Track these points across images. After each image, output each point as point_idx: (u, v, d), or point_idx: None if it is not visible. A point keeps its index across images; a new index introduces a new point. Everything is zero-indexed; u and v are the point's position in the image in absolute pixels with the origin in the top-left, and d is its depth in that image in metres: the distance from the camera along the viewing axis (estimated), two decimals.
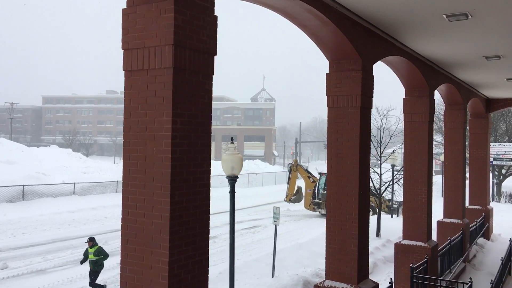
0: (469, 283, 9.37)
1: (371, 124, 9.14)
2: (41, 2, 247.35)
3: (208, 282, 4.99)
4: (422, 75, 11.36)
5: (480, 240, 17.85)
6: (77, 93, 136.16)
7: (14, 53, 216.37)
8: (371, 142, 13.43)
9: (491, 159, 31.96)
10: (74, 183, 33.73)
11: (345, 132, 8.31)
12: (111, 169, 44.80)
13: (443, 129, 19.59)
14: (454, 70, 13.16)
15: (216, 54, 4.95)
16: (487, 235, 19.04)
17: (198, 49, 4.72)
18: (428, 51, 10.71)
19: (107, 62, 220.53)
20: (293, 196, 32.45)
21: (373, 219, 20.22)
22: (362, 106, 8.21)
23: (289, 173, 32.77)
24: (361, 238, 8.32)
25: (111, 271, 15.92)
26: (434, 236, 14.30)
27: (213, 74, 4.95)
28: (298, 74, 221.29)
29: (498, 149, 33.57)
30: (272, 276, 14.39)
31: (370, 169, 11.46)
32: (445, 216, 16.03)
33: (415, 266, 10.05)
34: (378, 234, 21.01)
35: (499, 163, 34.60)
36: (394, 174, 24.56)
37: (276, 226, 15.48)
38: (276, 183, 54.63)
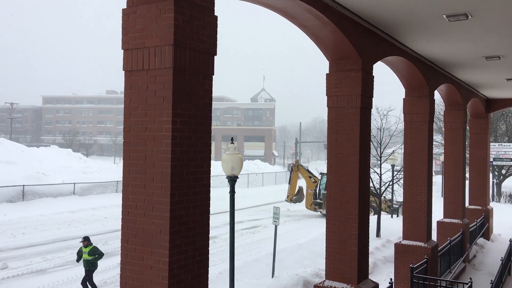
0: (469, 283, 9.37)
1: (371, 124, 9.14)
2: (41, 2, 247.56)
3: (208, 282, 4.99)
4: (422, 75, 11.36)
5: (480, 240, 17.85)
6: (77, 93, 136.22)
7: (14, 53, 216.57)
8: (371, 142, 13.43)
9: (491, 159, 31.97)
10: (74, 183, 33.73)
11: (345, 132, 8.31)
12: (111, 169, 44.83)
13: (443, 129, 19.60)
14: (454, 70, 13.16)
15: (216, 54, 4.95)
16: (487, 235, 19.04)
17: (198, 49, 4.72)
18: (428, 51, 10.72)
19: (107, 62, 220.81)
20: (294, 196, 32.46)
21: (373, 219, 20.22)
22: (362, 106, 8.21)
23: (290, 173, 32.78)
24: (361, 238, 8.33)
25: (111, 271, 15.93)
26: (434, 236, 14.30)
27: (213, 74, 4.95)
28: (298, 74, 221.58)
29: (498, 149, 33.58)
30: (272, 276, 14.39)
31: (370, 169, 11.46)
32: (445, 216, 16.04)
33: (415, 266, 10.05)
34: (378, 234, 21.02)
35: (499, 163, 34.61)
36: (394, 174, 24.56)
37: (276, 226, 15.48)
38: (276, 183, 54.63)
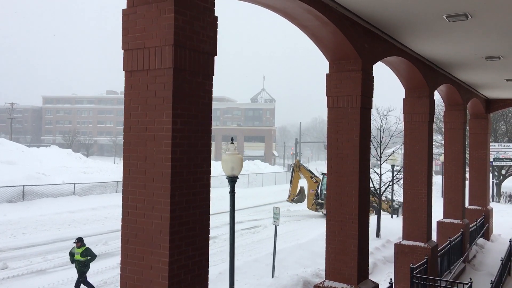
0: (469, 284, 9.37)
1: (371, 124, 9.14)
2: (41, 2, 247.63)
3: (208, 282, 4.99)
4: (422, 76, 11.37)
5: (480, 241, 17.85)
6: (77, 93, 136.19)
7: (14, 53, 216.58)
8: (371, 143, 13.44)
9: (491, 160, 31.98)
10: (74, 183, 33.73)
11: (345, 133, 8.32)
12: (111, 169, 44.84)
13: (443, 129, 19.61)
14: (454, 71, 13.17)
15: (216, 55, 4.96)
16: (487, 235, 19.04)
17: (198, 50, 4.72)
18: (428, 52, 10.72)
19: (107, 63, 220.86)
20: (296, 197, 32.48)
21: (373, 219, 20.22)
22: (362, 106, 8.22)
23: (292, 174, 32.80)
24: (361, 239, 8.33)
25: (111, 271, 15.93)
26: (434, 237, 14.31)
27: (213, 75, 4.96)
28: (298, 75, 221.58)
29: (498, 150, 33.58)
30: (272, 276, 14.40)
31: (370, 169, 11.46)
32: (445, 217, 16.04)
33: (415, 266, 10.05)
34: (378, 234, 21.02)
35: (499, 163, 34.61)
36: (394, 175, 24.57)
37: (276, 227, 15.49)
38: (276, 183, 54.63)
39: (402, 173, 15.58)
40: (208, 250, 4.96)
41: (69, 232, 22.71)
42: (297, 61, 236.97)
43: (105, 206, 30.37)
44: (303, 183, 33.18)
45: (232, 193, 9.20)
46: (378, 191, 22.81)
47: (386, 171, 23.86)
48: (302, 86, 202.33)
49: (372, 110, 8.85)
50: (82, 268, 13.23)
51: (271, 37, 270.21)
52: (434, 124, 25.58)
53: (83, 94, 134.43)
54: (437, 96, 14.58)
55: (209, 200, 4.97)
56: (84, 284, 13.33)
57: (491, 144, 28.03)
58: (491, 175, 34.28)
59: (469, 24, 8.16)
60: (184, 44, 4.55)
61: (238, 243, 19.32)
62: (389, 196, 28.11)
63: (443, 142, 22.10)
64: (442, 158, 31.94)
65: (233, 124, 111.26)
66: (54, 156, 45.79)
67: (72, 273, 15.59)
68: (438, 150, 39.72)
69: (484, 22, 8.13)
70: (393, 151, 27.50)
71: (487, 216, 19.10)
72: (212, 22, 4.88)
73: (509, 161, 34.10)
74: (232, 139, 9.39)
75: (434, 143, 26.92)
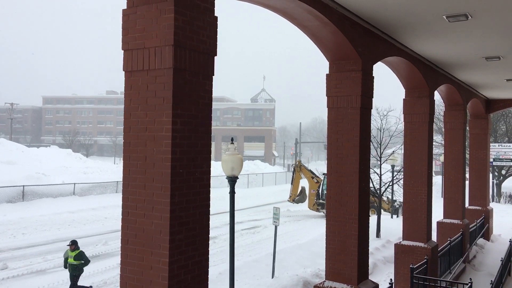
0: (469, 284, 9.37)
1: (371, 124, 9.14)
2: (41, 2, 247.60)
3: (208, 282, 4.99)
4: (422, 76, 11.37)
5: (480, 241, 17.85)
6: (77, 93, 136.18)
7: (14, 53, 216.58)
8: (371, 143, 13.43)
9: (491, 160, 31.98)
10: (74, 183, 33.73)
11: (345, 133, 8.32)
12: (111, 169, 44.84)
13: (443, 129, 19.61)
14: (454, 71, 13.16)
15: (216, 55, 4.96)
16: (487, 235, 19.04)
17: (198, 50, 4.72)
18: (428, 52, 10.72)
19: (107, 63, 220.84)
20: (297, 197, 32.49)
21: (373, 219, 20.22)
22: (362, 106, 8.22)
23: (293, 174, 32.81)
24: (361, 239, 8.33)
25: (111, 271, 15.93)
26: (434, 237, 14.30)
27: (213, 75, 4.96)
28: (298, 75, 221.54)
29: (498, 150, 33.59)
30: (272, 277, 14.40)
31: (370, 169, 11.46)
32: (445, 217, 16.04)
33: (415, 266, 10.05)
34: (378, 234, 21.02)
35: (499, 163, 34.62)
36: (394, 175, 24.57)
37: (276, 227, 15.49)
38: (276, 183, 54.62)
39: (402, 173, 15.58)
40: (208, 250, 4.96)
41: (69, 232, 22.69)
42: (297, 61, 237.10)
43: (105, 206, 30.36)
44: (304, 183, 33.19)
45: (232, 193, 9.20)
46: (378, 191, 22.80)
47: (386, 171, 23.85)
48: (302, 86, 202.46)
49: (372, 110, 8.85)
50: (75, 272, 12.83)
51: (271, 37, 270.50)
52: (434, 124, 25.59)
53: (83, 94, 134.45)
54: (437, 96, 14.59)
55: (209, 200, 4.96)
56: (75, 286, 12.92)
57: (491, 144, 28.03)
58: (491, 175, 34.29)
59: (469, 24, 8.16)
60: (184, 44, 4.55)
61: (238, 243, 19.31)
62: (390, 196, 28.12)
63: (443, 142, 22.11)
64: (442, 158, 31.95)
65: (233, 124, 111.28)
66: (54, 156, 45.78)
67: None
68: (438, 150, 39.73)
69: (484, 22, 8.13)
70: (393, 151, 27.50)
71: (487, 216, 19.10)
72: (212, 22, 4.88)
73: (509, 161, 34.11)
74: (232, 139, 9.38)
75: (434, 143, 26.93)
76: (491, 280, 10.28)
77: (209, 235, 4.98)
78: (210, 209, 5.01)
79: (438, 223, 15.99)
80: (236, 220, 12.36)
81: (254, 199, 37.83)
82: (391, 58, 9.96)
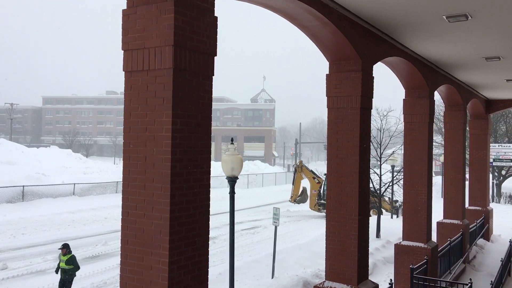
0: (469, 284, 9.37)
1: (371, 125, 9.14)
2: (41, 2, 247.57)
3: (208, 282, 4.99)
4: (422, 76, 11.37)
5: (480, 241, 17.85)
6: (77, 93, 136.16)
7: (14, 53, 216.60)
8: (371, 143, 13.44)
9: (491, 160, 32.00)
10: (74, 183, 33.72)
11: (345, 133, 8.31)
12: (111, 169, 44.82)
13: (443, 130, 19.60)
14: (454, 71, 13.16)
15: (216, 55, 4.95)
16: (487, 236, 19.04)
17: (198, 50, 4.72)
18: (428, 52, 10.72)
19: (107, 63, 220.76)
20: (298, 197, 32.50)
21: (373, 219, 20.22)
22: (362, 107, 8.21)
23: (294, 174, 32.82)
24: (361, 239, 8.32)
25: (111, 271, 15.92)
26: (434, 237, 14.30)
27: (213, 75, 4.95)
28: (298, 75, 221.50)
29: (498, 150, 33.60)
30: (272, 277, 14.39)
31: (370, 170, 11.46)
32: (445, 217, 16.04)
33: (415, 267, 10.05)
34: (378, 235, 21.02)
35: (499, 164, 34.62)
36: (394, 175, 24.57)
37: (276, 227, 15.48)
38: (276, 184, 54.61)
39: (402, 174, 15.58)
40: (208, 250, 4.96)
41: (69, 232, 22.71)
42: (297, 61, 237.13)
43: (104, 207, 30.35)
44: (305, 183, 33.19)
45: (232, 193, 9.20)
46: (378, 192, 22.80)
47: (386, 172, 23.86)
48: (302, 87, 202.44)
49: (372, 110, 8.85)
50: (67, 277, 12.56)
51: (271, 37, 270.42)
52: (434, 125, 25.59)
53: (83, 95, 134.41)
54: (437, 96, 14.59)
55: (209, 201, 4.96)
56: None
57: (491, 144, 28.03)
58: (491, 175, 34.29)
59: (469, 24, 8.16)
60: (184, 45, 4.55)
61: (238, 244, 19.30)
62: (390, 197, 28.13)
63: (443, 142, 22.10)
64: (442, 158, 31.96)
65: (233, 124, 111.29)
66: (54, 157, 45.75)
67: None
68: (438, 150, 39.73)
69: (484, 22, 8.13)
70: (393, 151, 27.50)
71: (487, 216, 19.10)
72: (212, 23, 4.88)
73: (509, 162, 34.12)
74: (232, 140, 9.38)
75: (434, 143, 26.93)
76: (491, 281, 10.28)
77: (209, 235, 4.97)
78: (210, 209, 5.00)
79: (438, 223, 15.99)
80: (236, 220, 12.35)
81: (254, 200, 37.83)
82: (391, 58, 9.96)
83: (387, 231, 21.11)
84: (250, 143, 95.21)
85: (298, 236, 22.69)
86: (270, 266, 15.01)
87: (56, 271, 12.85)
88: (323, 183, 30.54)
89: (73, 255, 12.78)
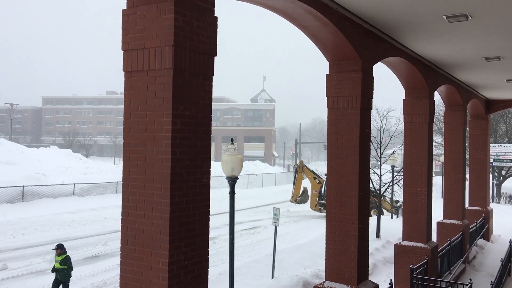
0: (469, 284, 9.37)
1: (371, 125, 9.14)
2: (41, 2, 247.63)
3: (208, 283, 4.98)
4: (422, 76, 11.37)
5: (480, 241, 17.85)
6: (77, 93, 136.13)
7: (14, 53, 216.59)
8: (371, 143, 13.45)
9: (491, 160, 31.99)
10: (74, 184, 33.72)
11: (345, 133, 8.31)
12: (111, 170, 44.80)
13: (443, 130, 19.61)
14: (454, 71, 13.16)
15: (216, 55, 4.95)
16: (487, 236, 19.04)
17: (198, 50, 4.72)
18: (428, 52, 10.72)
19: (107, 63, 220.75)
20: (299, 197, 32.50)
21: (373, 220, 20.22)
22: (362, 107, 8.21)
23: (295, 174, 32.82)
24: (361, 239, 8.32)
25: (110, 271, 15.91)
26: (434, 237, 14.30)
27: (213, 75, 4.95)
28: (298, 75, 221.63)
29: (498, 150, 33.59)
30: (272, 277, 14.39)
31: (370, 170, 11.46)
32: (445, 217, 16.03)
33: (415, 267, 10.05)
34: (378, 235, 21.01)
35: (499, 164, 34.62)
36: (394, 175, 24.57)
37: (276, 227, 15.48)
38: (276, 184, 54.60)
39: (402, 174, 15.57)
40: (208, 250, 4.96)
41: (68, 232, 22.71)
42: (297, 61, 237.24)
43: (104, 207, 30.34)
44: (306, 183, 33.19)
45: (232, 193, 9.20)
46: (378, 192, 22.80)
47: (386, 172, 23.86)
48: (302, 87, 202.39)
49: (372, 110, 8.85)
50: (62, 277, 12.53)
51: (271, 38, 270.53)
52: (434, 125, 25.59)
53: (83, 95, 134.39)
54: (437, 96, 14.58)
55: (209, 201, 4.96)
56: None
57: (491, 144, 28.03)
58: (491, 175, 34.29)
59: (469, 24, 8.16)
60: (184, 45, 4.55)
61: (238, 244, 19.29)
62: (391, 197, 28.13)
63: (443, 142, 22.10)
64: (442, 158, 31.95)
65: (233, 124, 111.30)
66: (53, 157, 45.71)
67: (72, 274, 15.57)
68: (438, 150, 39.73)
69: (484, 22, 8.12)
70: (393, 151, 27.50)
71: (487, 217, 19.10)
72: (212, 23, 4.88)
73: (509, 162, 34.11)
74: (232, 140, 9.38)
75: (434, 143, 26.93)
76: (491, 281, 10.28)
77: (209, 236, 4.97)
78: (210, 209, 5.00)
79: (438, 223, 15.99)
80: (236, 220, 12.35)
81: (254, 200, 37.82)
82: (391, 58, 9.96)
83: (387, 231, 21.11)
84: (250, 143, 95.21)
85: (298, 236, 22.68)
86: (270, 266, 15.01)
87: (53, 271, 12.83)
88: (323, 183, 30.55)
89: (68, 255, 12.74)
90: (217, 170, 25.58)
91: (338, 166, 8.40)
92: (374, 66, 8.89)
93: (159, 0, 4.55)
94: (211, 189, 5.04)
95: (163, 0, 4.52)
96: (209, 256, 4.99)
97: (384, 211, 28.77)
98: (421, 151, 11.88)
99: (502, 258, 12.40)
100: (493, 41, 9.40)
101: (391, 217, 27.89)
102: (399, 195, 24.45)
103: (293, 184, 32.97)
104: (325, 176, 31.67)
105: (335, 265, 8.41)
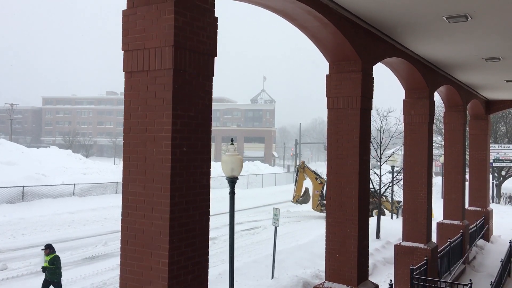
0: (469, 285, 9.36)
1: (371, 125, 9.14)
2: (41, 2, 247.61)
3: (208, 283, 4.98)
4: (422, 77, 11.37)
5: (480, 242, 17.84)
6: (77, 94, 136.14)
7: (14, 53, 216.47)
8: (371, 144, 13.45)
9: (491, 161, 31.97)
10: (74, 184, 33.71)
11: (345, 134, 8.31)
12: (111, 170, 44.80)
13: (443, 130, 19.60)
14: (454, 72, 13.17)
15: (216, 56, 4.96)
16: (486, 236, 19.04)
17: (198, 51, 4.72)
18: (428, 53, 10.72)
19: (107, 63, 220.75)
20: (300, 198, 32.52)
21: (373, 220, 20.23)
22: (362, 107, 8.22)
23: (296, 175, 32.85)
24: (361, 239, 8.32)
25: (110, 272, 15.91)
26: (434, 238, 14.30)
27: (213, 75, 4.96)
28: (298, 75, 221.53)
29: (498, 151, 33.59)
30: (272, 278, 14.39)
31: (370, 170, 11.46)
32: (445, 218, 16.04)
33: (415, 267, 10.04)
34: (378, 235, 21.01)
35: (499, 164, 34.60)
36: (394, 176, 24.57)
37: (275, 228, 15.47)
38: (276, 184, 54.60)
39: (402, 174, 15.58)
40: (208, 251, 4.96)
41: (68, 233, 22.71)
42: (297, 61, 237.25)
43: (104, 207, 30.34)
44: (307, 184, 33.19)
45: (232, 194, 9.19)
46: (377, 192, 22.80)
47: (386, 172, 23.86)
48: (302, 87, 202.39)
49: (372, 111, 8.85)
50: (51, 277, 12.52)
51: (271, 38, 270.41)
52: (434, 125, 25.59)
53: (83, 95, 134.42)
54: (437, 97, 14.59)
55: (209, 201, 4.96)
56: None
57: (491, 145, 28.03)
58: (491, 176, 34.29)
59: (469, 25, 8.16)
60: (184, 45, 4.55)
61: (237, 244, 19.28)
62: (395, 197, 28.13)
63: (443, 143, 22.12)
64: (442, 159, 31.95)
65: (233, 125, 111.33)
66: (53, 157, 45.73)
67: (72, 274, 15.62)
68: (438, 151, 39.74)
69: (484, 23, 8.13)
70: (393, 152, 27.50)
71: (487, 217, 19.10)
72: (212, 23, 4.88)
73: (509, 162, 34.10)
74: (232, 140, 9.38)
75: (434, 144, 26.93)
76: (491, 281, 10.27)
77: (209, 236, 4.97)
78: (210, 210, 5.00)
79: (438, 224, 15.99)
80: (236, 221, 12.35)
81: (254, 200, 37.82)
82: (391, 59, 9.96)
83: (387, 232, 21.11)
84: (250, 144, 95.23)
85: (298, 236, 22.67)
86: (270, 267, 15.01)
87: (43, 270, 12.83)
88: (324, 183, 30.55)
89: (56, 255, 12.74)
90: (217, 171, 25.59)
91: (338, 166, 8.40)
92: (374, 67, 8.90)
93: (159, 1, 4.56)
94: (211, 190, 5.04)
95: (163, 0, 4.53)
96: (209, 257, 4.99)
97: (386, 211, 28.78)
98: (421, 151, 11.88)
99: (502, 259, 12.40)
100: (493, 41, 9.40)
101: (391, 218, 27.88)
102: (399, 196, 24.45)
103: (295, 185, 32.98)
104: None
105: (335, 266, 8.41)
